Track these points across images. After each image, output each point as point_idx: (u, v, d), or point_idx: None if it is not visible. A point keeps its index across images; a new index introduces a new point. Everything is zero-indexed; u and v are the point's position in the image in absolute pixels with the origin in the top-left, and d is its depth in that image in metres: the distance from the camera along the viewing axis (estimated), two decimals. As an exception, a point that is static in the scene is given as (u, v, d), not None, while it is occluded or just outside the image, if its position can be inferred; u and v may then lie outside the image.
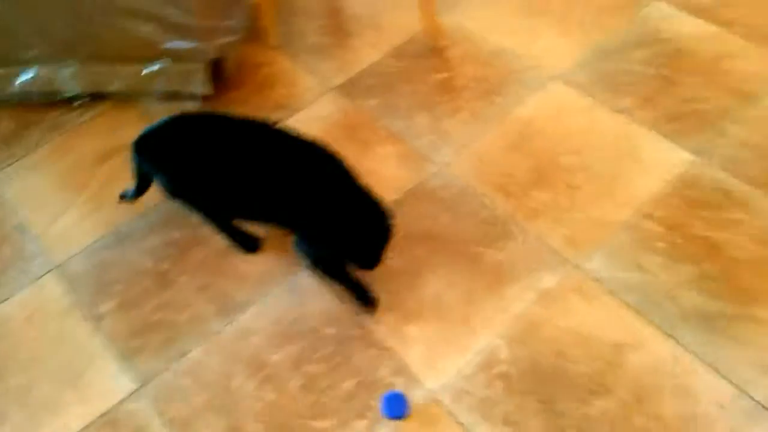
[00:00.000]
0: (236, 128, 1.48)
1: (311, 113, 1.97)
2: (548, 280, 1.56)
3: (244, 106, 2.00)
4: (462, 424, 1.37)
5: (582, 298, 1.53)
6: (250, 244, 1.67)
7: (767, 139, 1.74)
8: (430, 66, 2.05)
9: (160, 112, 1.56)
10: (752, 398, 1.35)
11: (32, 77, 1.99)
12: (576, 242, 1.62)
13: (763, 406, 1.34)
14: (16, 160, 1.93)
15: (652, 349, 1.43)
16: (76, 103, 2.04)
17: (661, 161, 1.74)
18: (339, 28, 2.23)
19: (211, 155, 1.44)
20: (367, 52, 2.12)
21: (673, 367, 1.40)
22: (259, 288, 1.61)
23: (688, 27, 2.03)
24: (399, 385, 1.43)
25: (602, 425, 1.34)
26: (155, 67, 1.96)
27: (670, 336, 1.44)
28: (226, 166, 1.44)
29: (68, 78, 1.99)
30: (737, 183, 1.67)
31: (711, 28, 2.01)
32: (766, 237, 1.56)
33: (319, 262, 1.53)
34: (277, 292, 1.60)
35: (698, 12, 2.06)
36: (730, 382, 1.37)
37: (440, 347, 1.48)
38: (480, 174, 1.77)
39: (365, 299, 1.53)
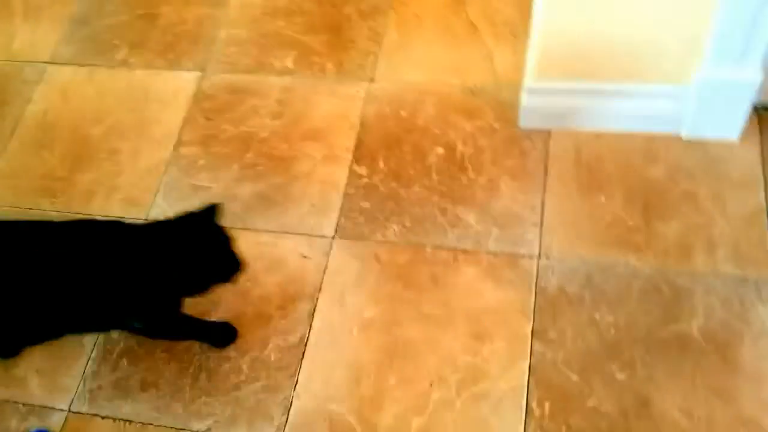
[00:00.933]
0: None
1: None
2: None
3: None
4: (109, 417, 1.37)
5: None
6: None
7: (246, 30, 1.91)
8: None
9: None
10: (322, 236, 1.55)
11: None
12: (135, 200, 1.65)
13: (327, 236, 1.54)
14: None
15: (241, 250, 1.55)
16: None
17: (173, 92, 1.82)
18: None
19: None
20: None
21: (260, 252, 1.53)
22: None
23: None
24: (36, 423, 1.38)
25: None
26: None
27: (246, 229, 1.57)
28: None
29: None
30: (240, 76, 1.82)
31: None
32: (277, 110, 1.75)
33: (157, 328, 1.39)
34: None
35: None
36: (299, 234, 1.54)
37: (56, 368, 1.44)
38: (16, 191, 1.70)
39: (220, 337, 1.43)
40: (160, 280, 1.25)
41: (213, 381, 1.38)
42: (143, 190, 1.67)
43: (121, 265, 1.23)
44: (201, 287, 1.30)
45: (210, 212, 1.27)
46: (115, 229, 1.30)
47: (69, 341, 1.46)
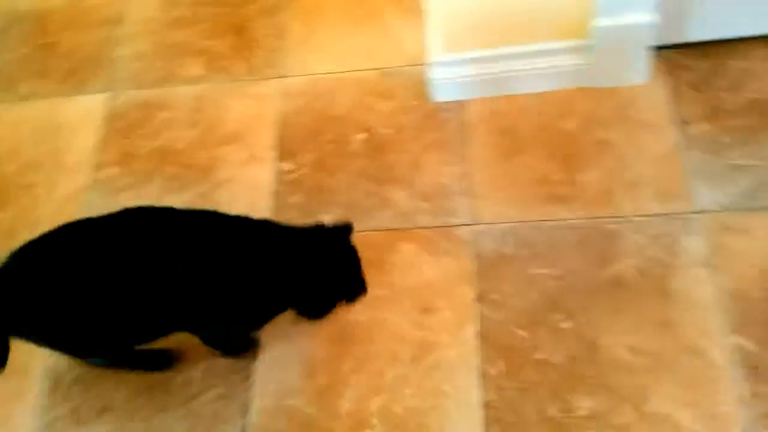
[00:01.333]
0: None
1: None
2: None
3: None
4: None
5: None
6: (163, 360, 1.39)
7: (149, 44, 1.88)
8: None
9: None
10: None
11: None
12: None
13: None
14: None
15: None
16: None
17: (83, 116, 1.78)
18: None
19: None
20: None
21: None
22: None
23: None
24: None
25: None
26: None
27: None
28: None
29: None
30: (149, 91, 1.79)
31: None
32: (191, 119, 1.72)
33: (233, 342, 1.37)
34: None
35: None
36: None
37: (6, 407, 1.40)
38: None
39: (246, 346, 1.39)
40: (293, 289, 1.22)
41: (168, 395, 1.36)
42: (66, 220, 1.62)
43: (262, 264, 1.19)
44: (329, 305, 1.30)
45: (346, 231, 1.23)
46: (253, 226, 1.25)
47: (12, 377, 1.40)
